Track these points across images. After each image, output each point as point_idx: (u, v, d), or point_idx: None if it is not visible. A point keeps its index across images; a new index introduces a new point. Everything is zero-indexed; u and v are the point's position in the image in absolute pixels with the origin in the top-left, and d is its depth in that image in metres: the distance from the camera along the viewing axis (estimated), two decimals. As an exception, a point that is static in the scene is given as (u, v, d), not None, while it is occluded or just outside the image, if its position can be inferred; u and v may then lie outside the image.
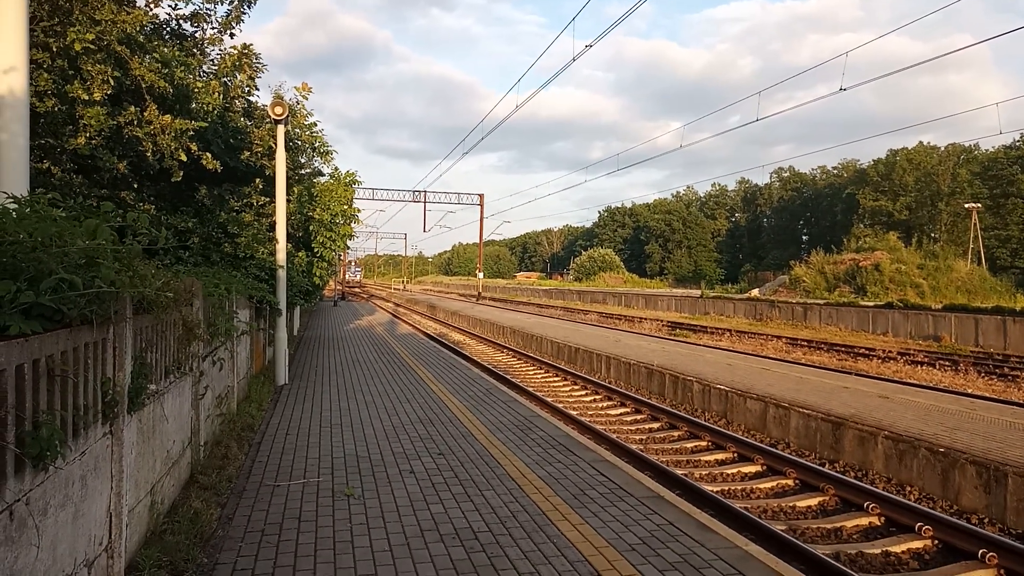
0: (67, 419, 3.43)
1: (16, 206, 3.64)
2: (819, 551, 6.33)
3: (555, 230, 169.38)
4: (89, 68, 7.75)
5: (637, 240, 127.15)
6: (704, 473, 9.33)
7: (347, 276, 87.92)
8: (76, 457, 3.58)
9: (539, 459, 7.71)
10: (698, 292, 52.44)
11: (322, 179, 20.33)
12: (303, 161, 18.56)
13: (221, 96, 12.09)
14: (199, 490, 6.14)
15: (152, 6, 10.25)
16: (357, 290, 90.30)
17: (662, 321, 36.58)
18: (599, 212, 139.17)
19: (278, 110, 12.17)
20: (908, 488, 8.53)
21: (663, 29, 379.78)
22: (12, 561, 2.81)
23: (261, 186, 14.11)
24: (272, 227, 13.63)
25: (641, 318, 39.42)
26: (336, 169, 20.89)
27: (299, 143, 17.54)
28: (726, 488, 8.63)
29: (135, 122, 8.77)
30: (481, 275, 64.92)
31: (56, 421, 3.23)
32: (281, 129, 12.35)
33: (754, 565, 4.94)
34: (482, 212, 59.66)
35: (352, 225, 20.98)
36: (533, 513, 5.94)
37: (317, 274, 18.87)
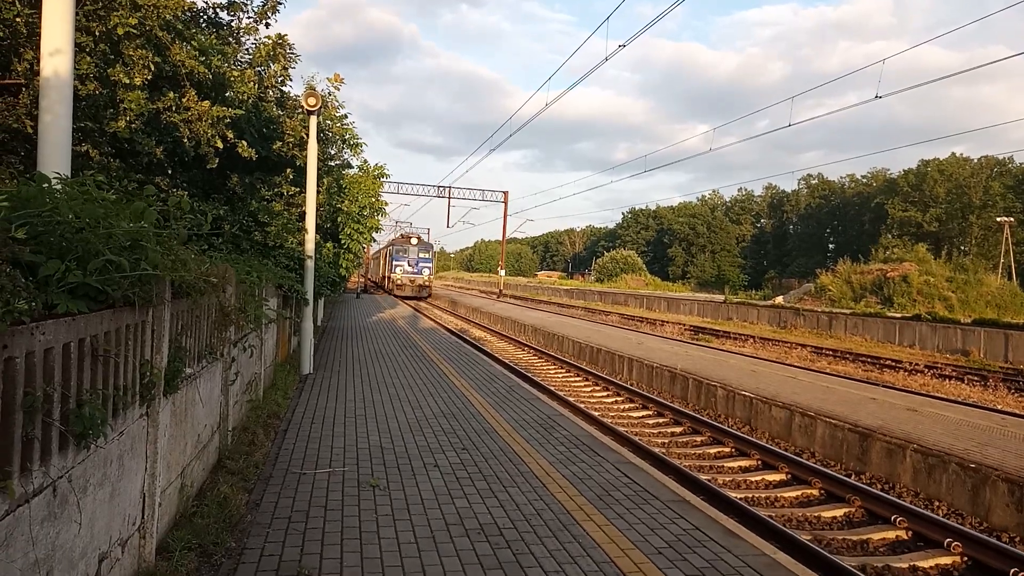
0: (108, 399, 3.47)
1: (62, 187, 3.68)
2: (846, 563, 6.24)
3: (577, 230, 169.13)
4: (131, 53, 7.82)
5: (660, 243, 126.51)
6: (728, 479, 9.24)
7: (392, 269, 51.19)
8: (115, 437, 3.62)
9: (563, 458, 7.68)
10: (721, 297, 52.05)
11: (351, 171, 20.44)
12: (333, 152, 18.67)
13: (256, 85, 12.19)
14: (227, 475, 6.19)
15: (191, -7, 10.34)
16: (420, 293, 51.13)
17: (684, 325, 36.35)
18: (622, 213, 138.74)
19: (311, 101, 12.24)
20: (936, 503, 8.39)
21: (692, 31, 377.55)
22: (54, 536, 2.84)
23: (291, 176, 14.20)
24: (301, 217, 13.72)
25: (663, 321, 39.20)
26: (365, 161, 21.00)
27: (330, 135, 17.64)
28: (750, 495, 8.55)
29: (173, 108, 8.85)
30: (503, 272, 64.95)
31: (99, 400, 3.27)
32: (313, 120, 12.41)
33: (782, 573, 4.88)
34: (506, 210, 59.72)
35: (378, 218, 21.11)
36: (558, 512, 5.92)
37: (343, 265, 18.98)
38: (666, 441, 11.18)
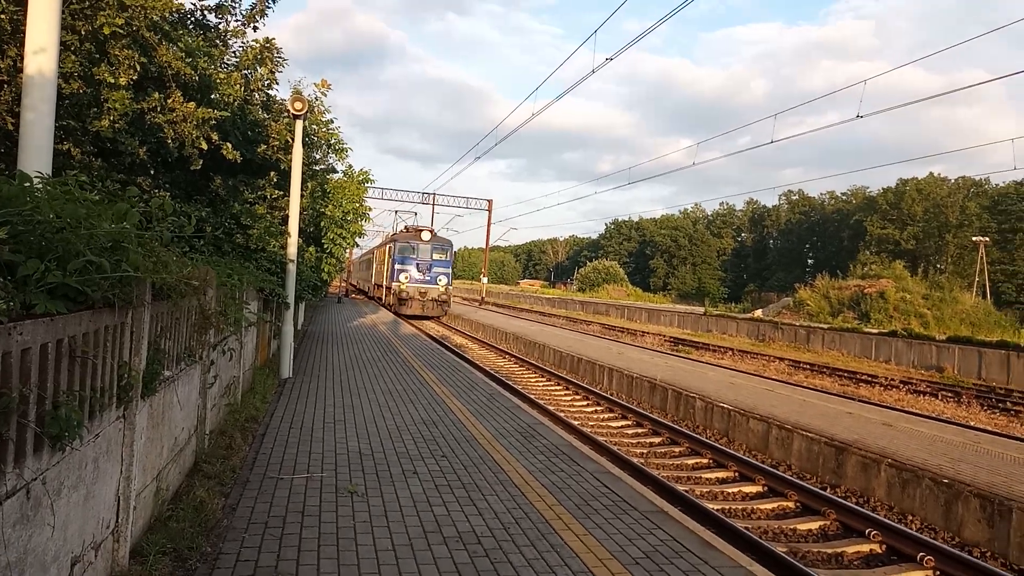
0: (84, 401, 3.43)
1: (44, 186, 3.65)
2: (820, 575, 6.29)
3: (561, 239, 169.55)
4: (117, 52, 7.78)
5: (642, 254, 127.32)
6: (705, 491, 9.28)
7: (394, 276, 36.76)
8: (91, 439, 3.58)
9: (542, 467, 7.69)
10: (701, 309, 52.40)
11: (335, 176, 20.37)
12: (318, 157, 18.62)
13: (242, 88, 12.14)
14: (203, 479, 6.13)
15: (180, -6, 10.28)
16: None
17: (664, 336, 36.53)
18: (606, 224, 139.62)
19: (298, 105, 12.22)
20: (910, 517, 8.49)
21: (678, 47, 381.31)
22: (27, 539, 2.81)
23: (275, 179, 14.14)
24: (284, 221, 13.66)
25: (643, 332, 39.37)
26: (350, 167, 20.95)
27: (315, 139, 17.60)
28: (727, 507, 8.59)
29: (158, 108, 8.80)
30: (485, 280, 64.90)
31: (75, 402, 3.24)
32: (299, 124, 12.38)
33: (758, 586, 4.91)
34: (490, 217, 59.80)
35: (362, 223, 21.04)
36: (536, 521, 5.92)
37: (325, 270, 18.89)
38: (645, 451, 11.22)
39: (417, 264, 36.73)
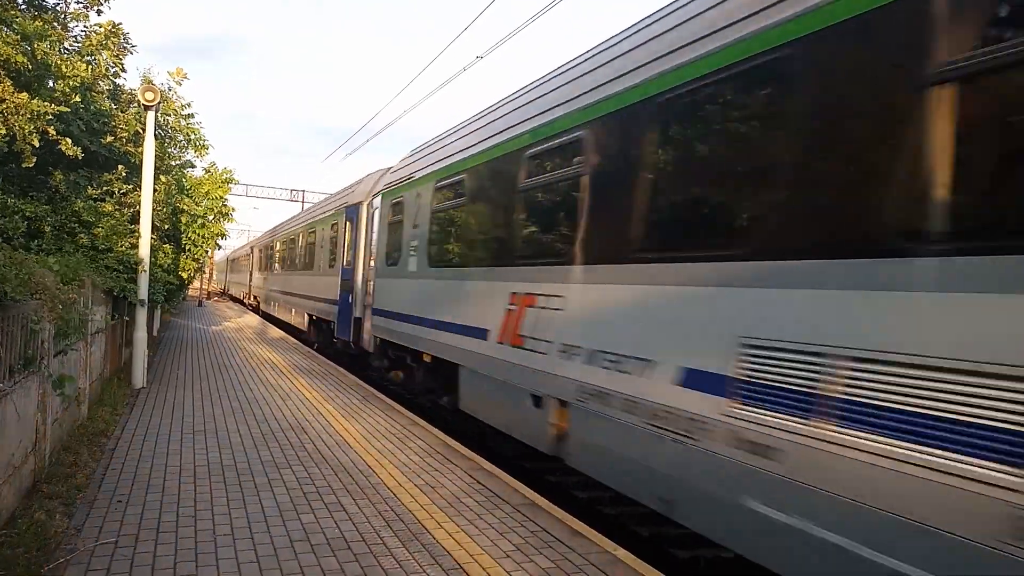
0: None
1: None
2: (680, 555, 6.63)
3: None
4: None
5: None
6: (577, 480, 9.54)
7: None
8: (-98, 463, 3.21)
9: (416, 468, 7.64)
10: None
11: (193, 171, 19.26)
12: (174, 152, 17.53)
13: (88, 69, 11.24)
14: (43, 499, 5.64)
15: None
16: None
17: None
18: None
19: (149, 95, 11.44)
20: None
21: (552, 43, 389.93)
22: None
23: (124, 173, 13.15)
24: (135, 218, 12.75)
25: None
26: (213, 164, 19.88)
27: (170, 132, 16.58)
28: (598, 495, 8.86)
29: (-17, 96, 8.00)
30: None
31: None
32: (151, 115, 11.61)
33: (621, 568, 5.13)
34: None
35: (224, 223, 20.00)
36: (409, 522, 5.88)
37: (184, 269, 17.83)
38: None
39: None
